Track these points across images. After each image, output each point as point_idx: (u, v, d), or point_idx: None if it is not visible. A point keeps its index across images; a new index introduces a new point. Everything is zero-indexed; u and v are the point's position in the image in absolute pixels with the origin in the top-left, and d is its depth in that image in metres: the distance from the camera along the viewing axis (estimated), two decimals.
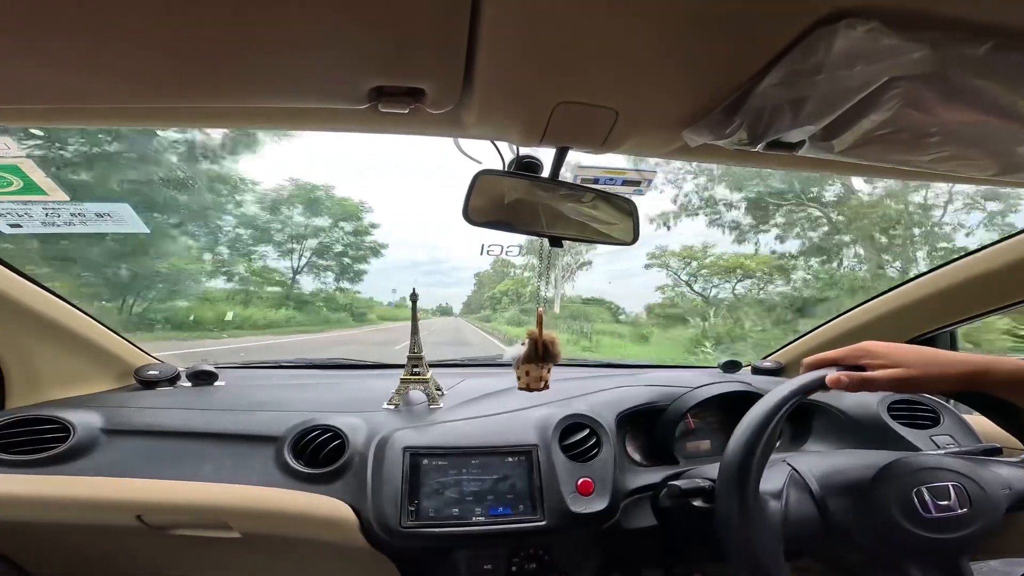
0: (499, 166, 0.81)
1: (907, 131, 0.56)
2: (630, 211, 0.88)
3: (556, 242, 0.86)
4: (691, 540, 0.98)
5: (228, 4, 0.43)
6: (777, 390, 0.74)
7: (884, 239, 11.33)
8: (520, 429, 1.04)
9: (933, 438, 1.11)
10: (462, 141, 0.78)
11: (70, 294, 0.98)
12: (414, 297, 1.20)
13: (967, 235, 10.57)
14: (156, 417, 1.02)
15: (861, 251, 11.73)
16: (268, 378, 1.40)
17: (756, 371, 1.54)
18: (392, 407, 1.14)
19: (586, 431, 1.04)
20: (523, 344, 0.84)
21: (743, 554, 0.68)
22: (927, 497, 0.75)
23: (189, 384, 1.24)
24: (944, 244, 10.80)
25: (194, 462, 0.96)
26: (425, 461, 0.96)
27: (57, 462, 0.93)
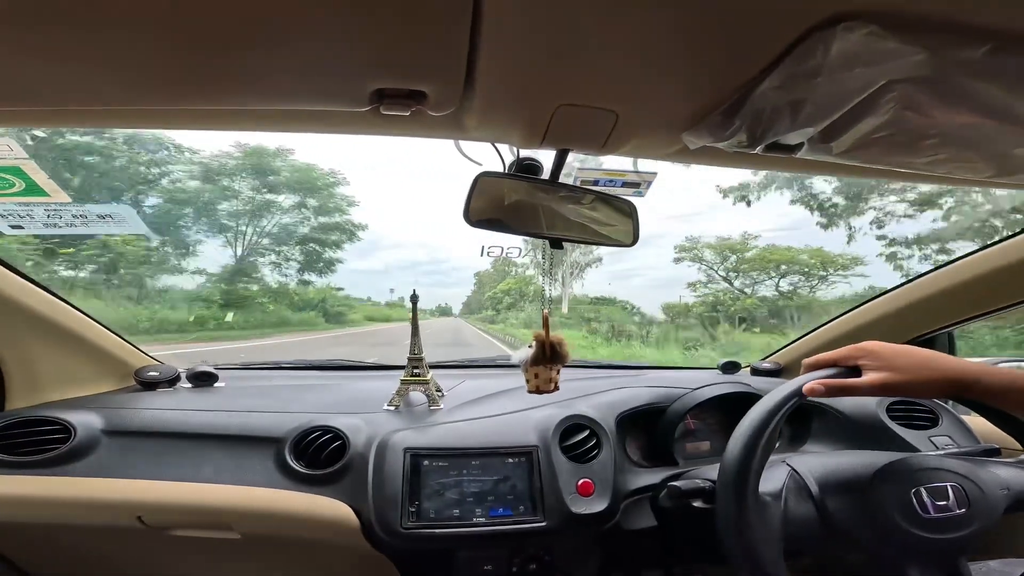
0: (499, 168, 0.82)
1: (905, 133, 0.56)
2: (630, 213, 0.89)
3: (556, 244, 0.86)
4: (691, 541, 0.98)
5: (230, 7, 0.43)
6: (775, 391, 0.74)
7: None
8: (520, 430, 1.04)
9: (932, 439, 1.12)
10: (462, 143, 0.79)
11: None
12: (414, 298, 1.21)
13: None
14: (157, 418, 1.02)
15: None
16: (268, 379, 1.40)
17: (755, 372, 1.54)
18: (392, 408, 1.14)
19: (586, 432, 1.05)
20: (530, 347, 0.84)
21: (743, 554, 0.68)
22: (926, 498, 0.75)
23: (189, 385, 1.24)
24: None
25: (195, 463, 0.96)
26: (426, 462, 0.96)
27: (58, 463, 0.93)
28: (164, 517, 0.93)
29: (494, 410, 1.12)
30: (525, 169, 0.81)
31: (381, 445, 0.98)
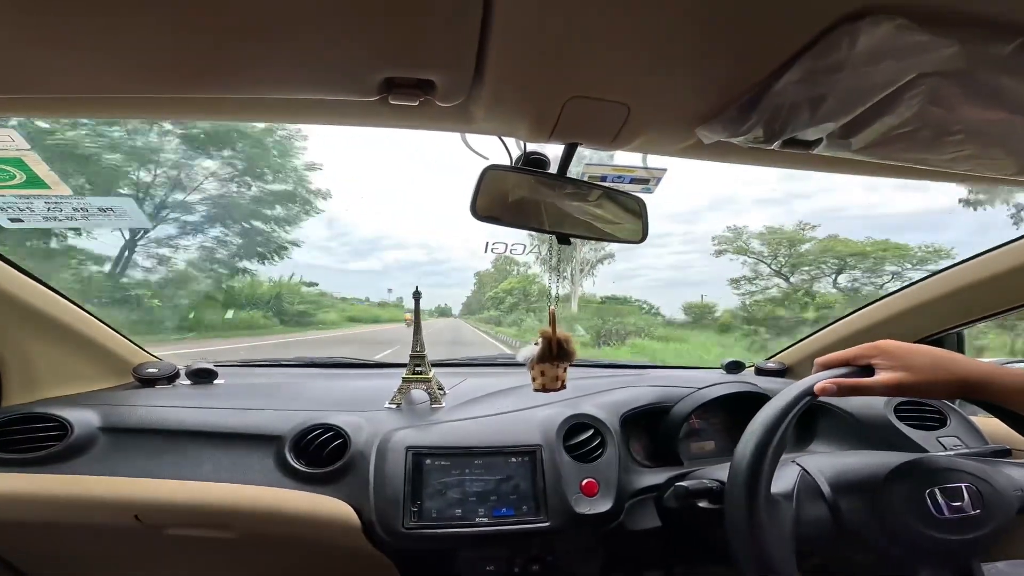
0: (507, 162, 0.81)
1: (929, 129, 0.55)
2: (639, 209, 0.87)
3: (564, 239, 0.85)
4: (696, 541, 0.97)
5: None
6: (787, 390, 0.73)
7: None
8: (524, 429, 1.03)
9: (940, 439, 1.11)
10: (469, 137, 0.77)
11: None
12: (416, 296, 1.19)
13: None
14: (155, 415, 1.01)
15: None
16: (268, 376, 1.38)
17: (760, 372, 1.53)
18: (394, 406, 1.13)
19: (590, 431, 1.04)
20: (536, 344, 0.83)
21: (754, 556, 0.67)
22: (940, 498, 0.74)
23: (188, 382, 1.22)
24: None
25: (193, 461, 0.95)
26: (428, 461, 0.95)
27: (54, 461, 0.92)
28: (161, 516, 0.92)
29: (497, 409, 1.11)
30: (533, 163, 0.80)
31: (382, 444, 0.97)
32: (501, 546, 0.95)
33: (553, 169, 0.81)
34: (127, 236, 11.14)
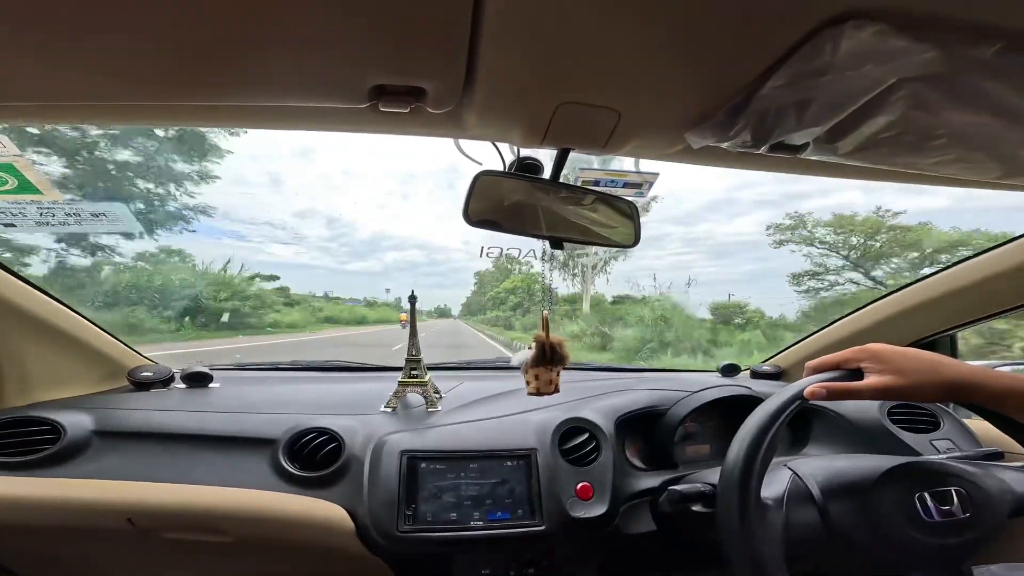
0: (499, 167, 0.81)
1: (913, 133, 0.56)
2: (631, 213, 0.88)
3: (557, 244, 0.85)
4: (690, 545, 0.97)
5: (228, 2, 0.42)
6: (777, 395, 0.73)
7: None
8: (519, 433, 1.03)
9: (933, 442, 1.11)
10: (462, 142, 0.78)
11: None
12: (412, 299, 1.20)
13: None
14: (149, 419, 1.01)
15: None
16: (263, 380, 1.38)
17: (755, 375, 1.54)
18: (389, 410, 1.13)
19: (585, 435, 1.04)
20: (530, 348, 0.83)
21: (745, 559, 0.67)
22: (930, 502, 0.74)
23: (183, 386, 1.22)
24: None
25: (187, 465, 0.95)
26: (423, 465, 0.95)
27: (47, 464, 0.92)
28: (155, 519, 0.91)
29: (492, 412, 1.11)
30: (525, 168, 0.80)
31: (377, 447, 0.97)
32: (496, 550, 0.95)
33: (546, 174, 0.82)
34: None
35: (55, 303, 1.07)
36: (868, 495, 0.76)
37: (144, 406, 1.06)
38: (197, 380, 1.23)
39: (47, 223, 0.81)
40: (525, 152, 0.80)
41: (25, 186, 0.73)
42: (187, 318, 11.74)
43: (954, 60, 0.46)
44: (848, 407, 1.18)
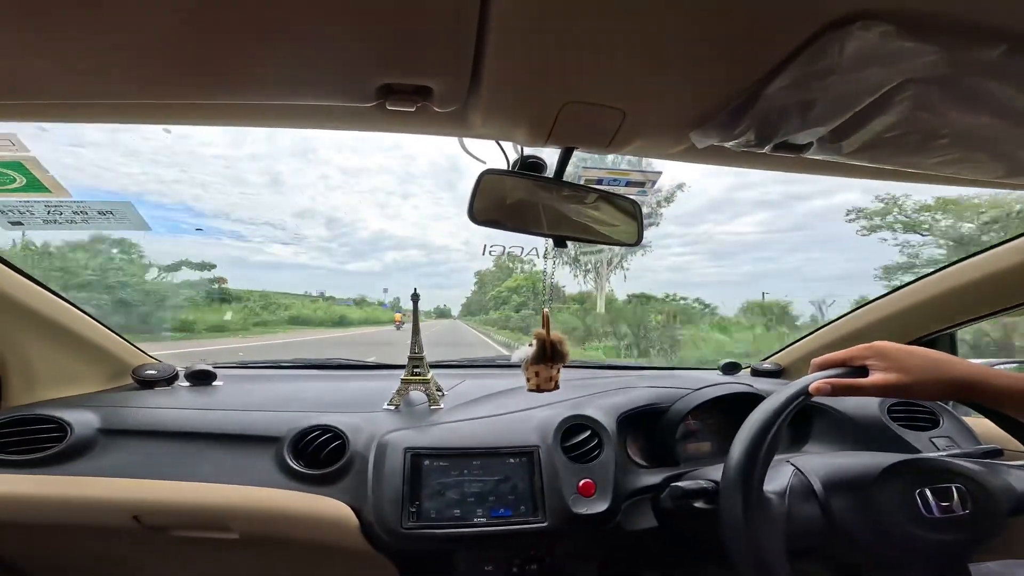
0: (503, 166, 0.81)
1: (917, 133, 0.56)
2: (634, 212, 0.88)
3: (560, 242, 0.85)
4: (692, 541, 0.98)
5: (239, 4, 0.42)
6: (782, 390, 0.74)
7: None
8: (521, 430, 1.04)
9: (932, 440, 1.12)
10: (467, 140, 0.78)
11: None
12: (415, 298, 1.20)
13: None
14: (154, 417, 1.01)
15: None
16: (266, 378, 1.39)
17: (756, 373, 1.54)
18: (392, 408, 1.14)
19: (587, 432, 1.04)
20: (531, 345, 0.84)
21: (747, 553, 0.68)
22: (930, 498, 0.75)
23: (187, 384, 1.23)
24: None
25: (193, 462, 0.95)
26: (426, 462, 0.96)
27: (53, 462, 0.92)
28: (161, 517, 0.92)
29: (495, 410, 1.12)
30: (529, 167, 0.81)
31: (381, 444, 0.97)
32: (499, 546, 0.96)
33: (550, 172, 0.82)
34: None
35: (61, 301, 1.07)
36: (869, 491, 0.76)
37: (149, 404, 1.07)
38: (201, 378, 1.23)
39: (54, 221, 0.81)
40: (529, 151, 0.80)
41: (33, 184, 0.73)
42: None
43: (959, 62, 0.46)
44: (849, 405, 1.19)
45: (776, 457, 0.76)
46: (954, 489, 0.76)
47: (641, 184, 0.94)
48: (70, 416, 0.97)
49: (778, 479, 0.78)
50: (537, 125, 0.66)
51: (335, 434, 1.00)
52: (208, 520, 0.92)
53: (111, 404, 1.05)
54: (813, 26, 0.45)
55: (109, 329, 1.19)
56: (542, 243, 0.88)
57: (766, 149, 0.62)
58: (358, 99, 0.58)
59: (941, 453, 0.99)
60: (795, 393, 0.72)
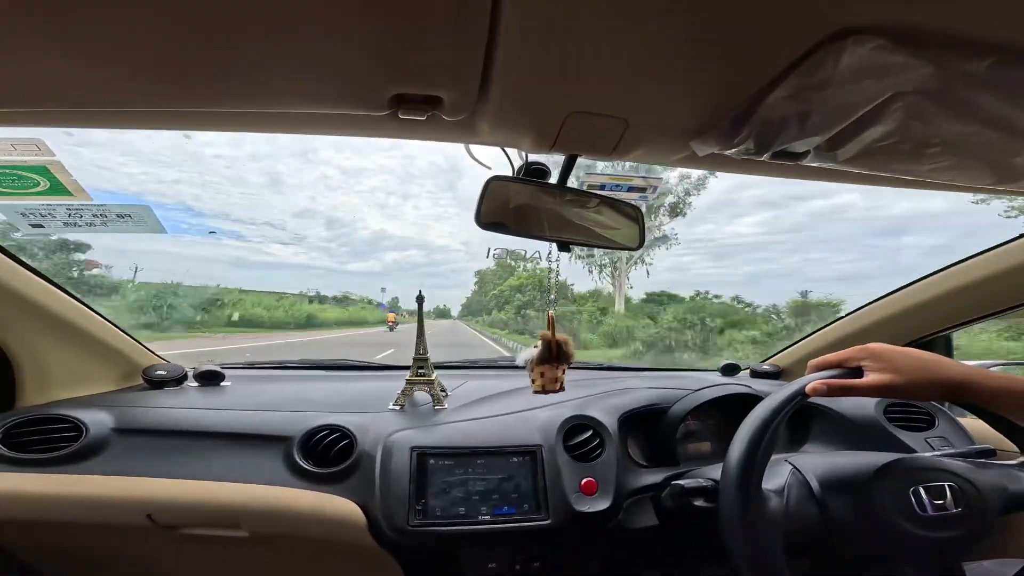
0: (509, 171, 0.83)
1: (909, 142, 0.58)
2: (636, 216, 0.90)
3: (564, 247, 0.87)
4: (692, 539, 0.99)
5: (255, 13, 0.44)
6: (780, 390, 0.76)
7: None
8: (524, 429, 1.05)
9: (928, 440, 1.13)
10: (473, 147, 0.80)
11: None
12: (420, 299, 1.22)
13: None
14: (166, 417, 1.03)
15: None
16: (274, 379, 1.41)
17: (755, 374, 1.56)
18: (398, 408, 1.16)
19: (589, 432, 1.06)
20: (536, 347, 0.85)
21: (745, 550, 0.69)
22: (924, 496, 0.77)
23: (196, 384, 1.25)
24: None
25: (204, 462, 0.97)
26: (432, 461, 0.97)
27: (69, 461, 0.94)
28: (174, 515, 0.94)
29: (498, 410, 1.14)
30: (534, 173, 0.83)
31: (388, 444, 0.99)
32: (503, 544, 0.97)
33: (554, 178, 0.84)
34: None
35: (74, 301, 1.09)
36: (865, 489, 0.78)
37: (161, 404, 1.08)
38: (210, 379, 1.25)
39: (75, 224, 0.83)
40: (534, 157, 0.82)
41: (57, 188, 0.75)
42: None
43: (949, 74, 0.48)
44: (846, 406, 1.21)
45: (775, 456, 0.77)
46: (947, 487, 0.78)
47: (643, 189, 0.96)
48: (85, 416, 0.99)
49: (776, 478, 0.80)
50: (542, 134, 0.68)
51: (343, 433, 1.02)
52: (219, 518, 0.93)
53: (124, 404, 1.06)
54: (809, 41, 0.47)
55: (119, 329, 1.20)
56: (546, 246, 0.89)
57: (764, 157, 0.64)
58: (371, 108, 0.60)
59: (935, 453, 1.01)
60: (792, 394, 0.74)
